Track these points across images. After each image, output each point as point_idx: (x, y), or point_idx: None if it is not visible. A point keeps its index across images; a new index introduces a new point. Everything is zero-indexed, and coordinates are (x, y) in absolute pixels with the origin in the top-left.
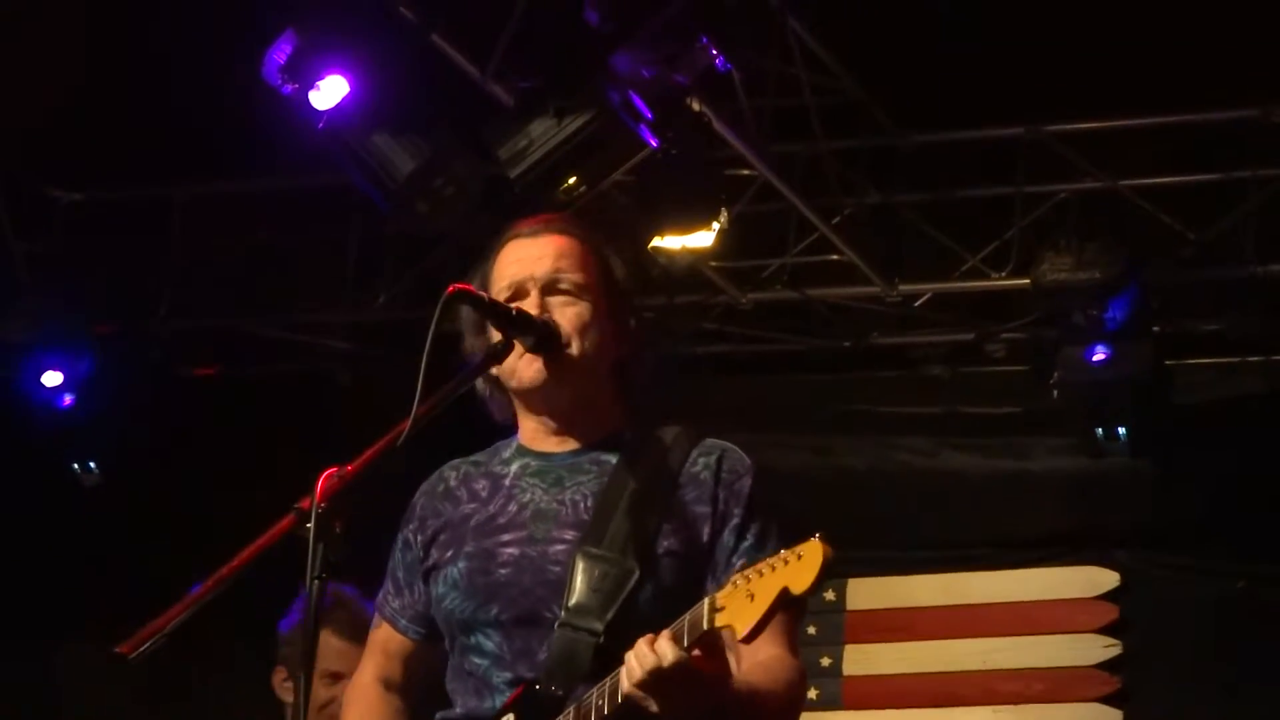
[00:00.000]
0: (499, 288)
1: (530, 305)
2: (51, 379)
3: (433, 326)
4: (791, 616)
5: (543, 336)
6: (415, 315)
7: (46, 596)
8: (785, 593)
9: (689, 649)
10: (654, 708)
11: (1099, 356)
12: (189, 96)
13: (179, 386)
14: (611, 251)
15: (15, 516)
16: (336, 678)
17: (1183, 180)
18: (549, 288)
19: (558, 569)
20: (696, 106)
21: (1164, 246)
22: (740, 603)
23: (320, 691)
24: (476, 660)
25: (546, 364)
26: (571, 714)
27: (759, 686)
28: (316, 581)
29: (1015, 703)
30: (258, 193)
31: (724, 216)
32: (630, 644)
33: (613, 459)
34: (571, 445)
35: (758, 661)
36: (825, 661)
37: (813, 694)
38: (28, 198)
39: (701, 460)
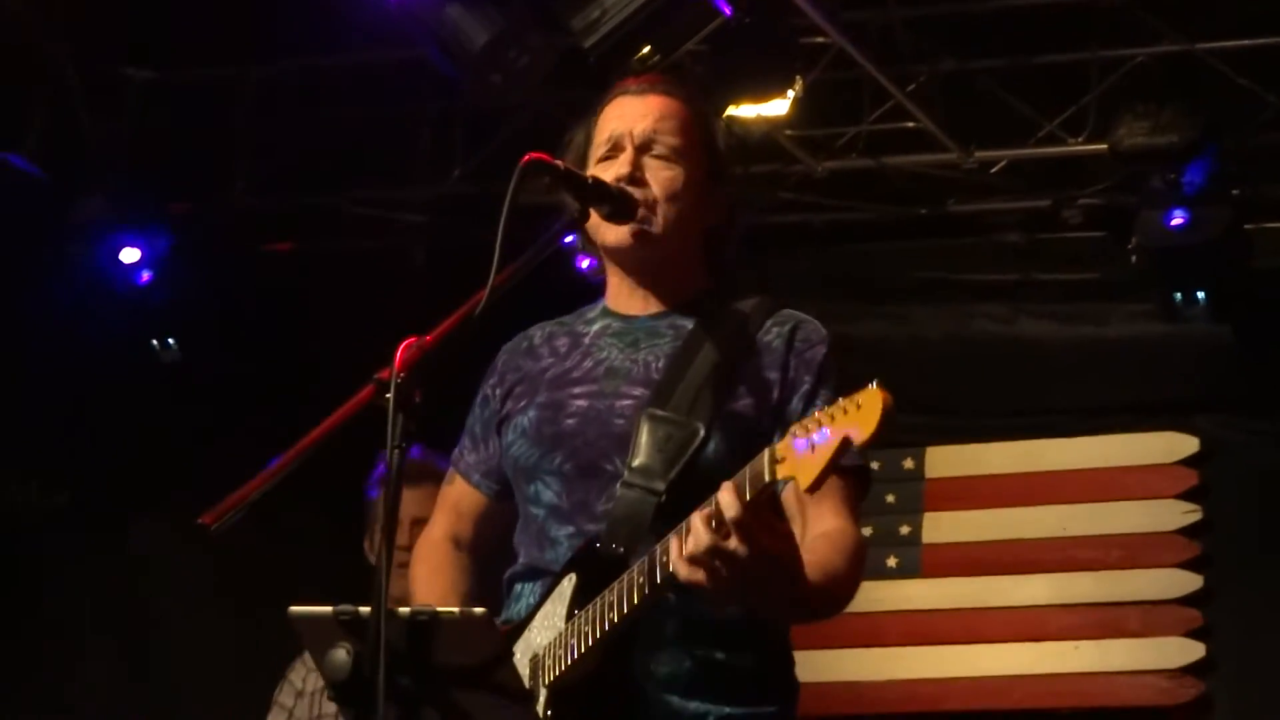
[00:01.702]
0: (599, 142)
1: (624, 162)
2: (129, 256)
3: (509, 197)
4: (854, 487)
5: (619, 205)
6: (490, 188)
7: (126, 471)
8: (846, 442)
9: (752, 501)
10: (717, 566)
11: (1177, 221)
12: None
13: (255, 263)
14: (715, 119)
15: (95, 393)
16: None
17: (1261, 42)
18: (645, 147)
19: (622, 422)
20: None
21: (1242, 109)
22: (802, 453)
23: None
24: (535, 511)
25: (632, 228)
26: (635, 570)
27: (822, 558)
28: (397, 450)
29: (1094, 569)
30: (331, 68)
31: (798, 85)
32: (692, 503)
33: (691, 324)
34: (653, 309)
35: (822, 532)
36: (904, 530)
37: (892, 562)
38: (103, 77)
39: (775, 329)
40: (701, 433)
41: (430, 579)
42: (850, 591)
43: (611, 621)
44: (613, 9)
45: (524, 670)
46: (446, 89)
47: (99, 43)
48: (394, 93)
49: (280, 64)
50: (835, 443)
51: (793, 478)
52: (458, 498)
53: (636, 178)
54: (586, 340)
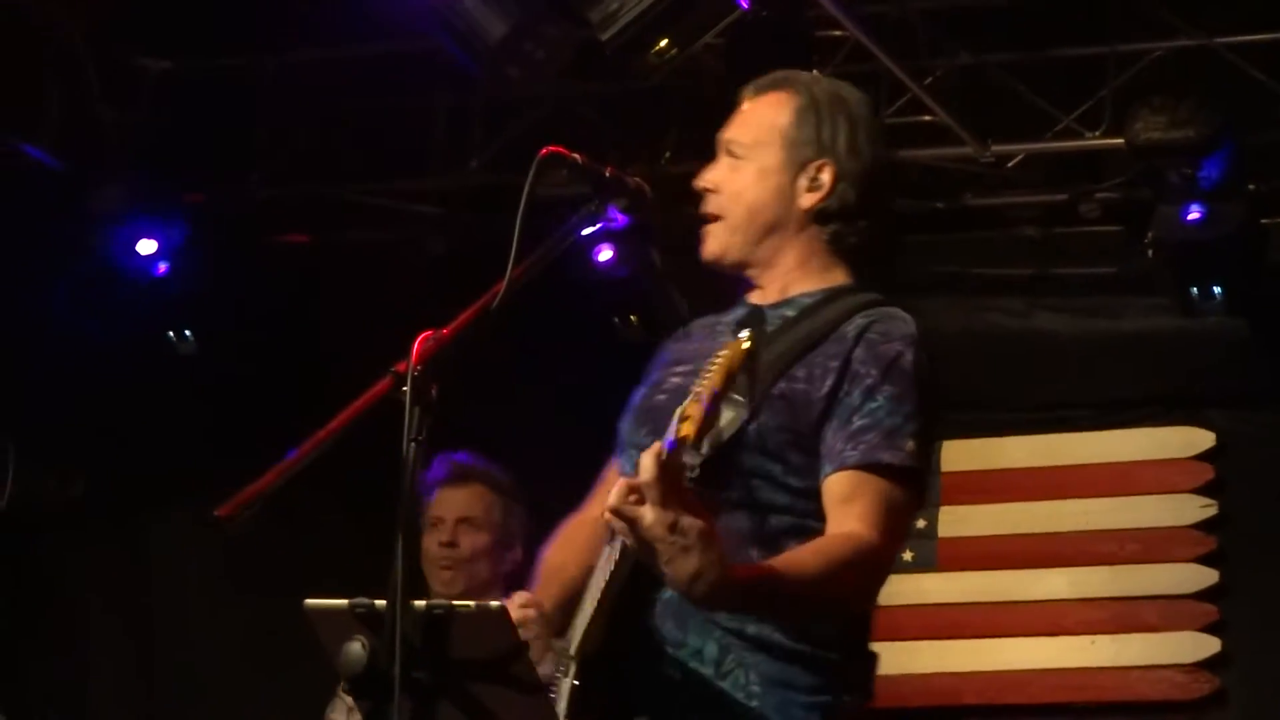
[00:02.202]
0: None
1: (706, 172)
2: (146, 247)
3: (526, 189)
4: (892, 489)
5: (634, 199)
6: (508, 180)
7: (142, 464)
8: (715, 394)
9: (665, 464)
10: (630, 539)
11: (1194, 215)
12: None
13: (271, 254)
14: (830, 105)
15: (111, 385)
16: (438, 523)
17: (1279, 37)
18: (727, 152)
19: None
20: None
21: (1259, 104)
22: (693, 409)
23: (426, 539)
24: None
25: (710, 232)
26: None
27: (800, 557)
28: (413, 444)
29: (1110, 563)
30: (348, 59)
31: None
32: (726, 477)
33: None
34: (772, 298)
35: (832, 534)
36: (920, 523)
37: (908, 556)
38: (117, 68)
39: (858, 321)
40: (745, 413)
41: (552, 553)
42: (825, 597)
43: (602, 588)
44: (630, 2)
45: (574, 640)
46: (463, 80)
47: (113, 33)
48: (411, 84)
49: (297, 55)
50: (705, 395)
51: (687, 434)
52: (613, 476)
53: (706, 188)
54: (719, 327)
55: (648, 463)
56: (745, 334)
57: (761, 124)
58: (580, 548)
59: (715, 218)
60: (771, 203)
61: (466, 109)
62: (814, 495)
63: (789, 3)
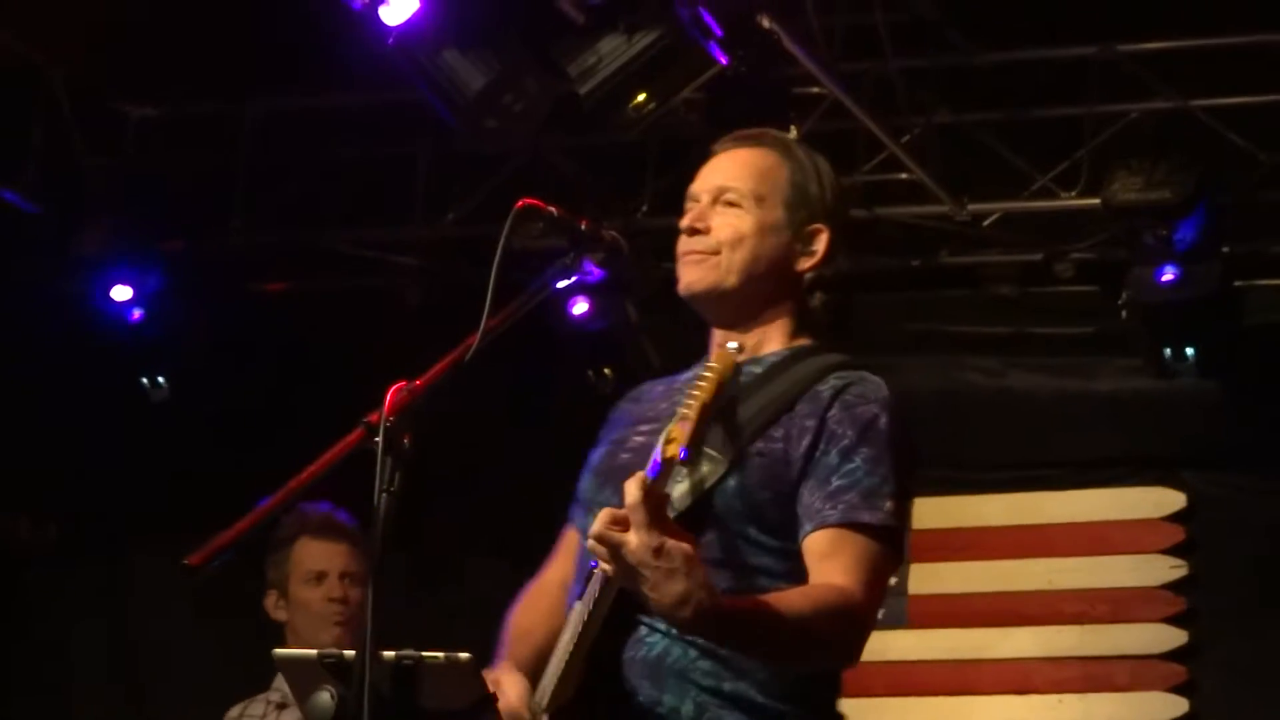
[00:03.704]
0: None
1: (689, 215)
2: (121, 294)
3: (502, 242)
4: (873, 548)
5: (610, 252)
6: (485, 231)
7: (115, 509)
8: (705, 408)
9: (654, 487)
10: (613, 566)
11: (1168, 277)
12: (261, 10)
13: (248, 302)
14: (815, 169)
15: (85, 430)
16: (321, 577)
17: (1255, 100)
18: (717, 198)
19: None
20: (766, 24)
21: (1235, 167)
22: (679, 430)
23: (304, 593)
24: (582, 543)
25: (704, 264)
26: (598, 578)
27: (788, 600)
28: (385, 495)
29: (1080, 622)
30: (329, 108)
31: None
32: (702, 534)
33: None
34: (741, 357)
35: (815, 583)
36: (891, 580)
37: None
38: (99, 113)
39: (832, 382)
40: (723, 469)
41: (519, 616)
42: (808, 641)
43: (570, 649)
44: (609, 56)
45: (543, 701)
46: (443, 131)
47: (95, 78)
48: (390, 134)
49: (278, 104)
50: (697, 409)
51: (673, 457)
52: (569, 541)
53: (697, 229)
54: (677, 385)
55: (632, 489)
56: (734, 345)
57: (759, 177)
58: (545, 611)
59: (708, 253)
60: (773, 258)
61: (446, 160)
62: (790, 554)
63: (768, 59)
